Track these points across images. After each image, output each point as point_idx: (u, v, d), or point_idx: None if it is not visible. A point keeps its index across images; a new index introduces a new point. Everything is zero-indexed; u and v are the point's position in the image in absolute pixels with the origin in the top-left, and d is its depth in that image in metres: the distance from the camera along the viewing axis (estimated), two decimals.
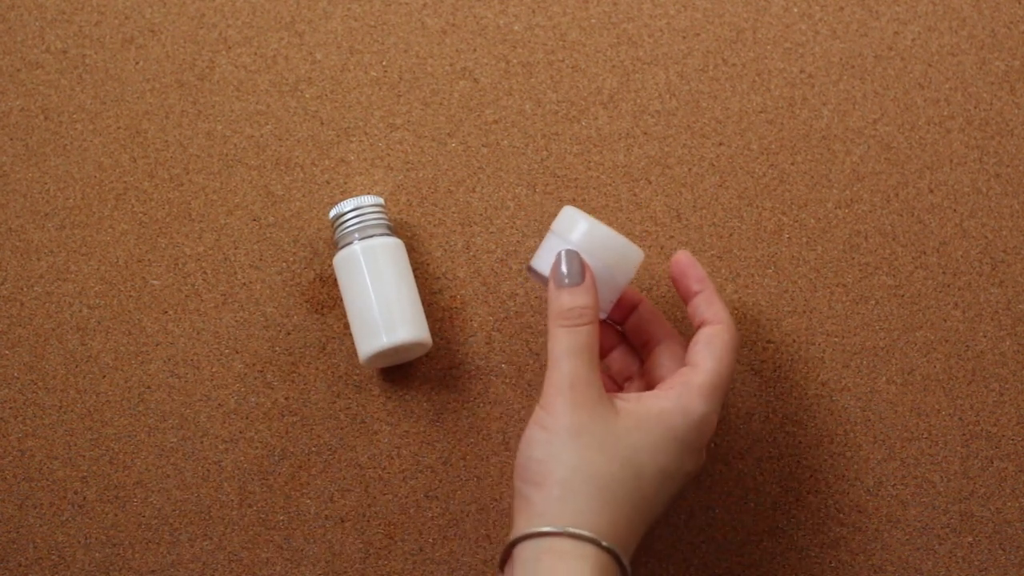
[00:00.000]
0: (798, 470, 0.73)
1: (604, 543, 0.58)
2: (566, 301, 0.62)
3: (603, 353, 0.69)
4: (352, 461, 0.72)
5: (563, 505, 0.58)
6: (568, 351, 0.61)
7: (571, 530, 0.57)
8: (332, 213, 0.71)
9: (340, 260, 0.70)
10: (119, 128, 0.75)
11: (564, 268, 0.62)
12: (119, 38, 0.75)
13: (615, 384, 0.70)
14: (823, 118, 0.74)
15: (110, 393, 0.73)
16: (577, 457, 0.58)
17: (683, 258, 0.66)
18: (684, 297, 0.66)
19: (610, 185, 0.74)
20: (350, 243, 0.70)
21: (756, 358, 0.73)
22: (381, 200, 0.71)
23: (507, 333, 0.73)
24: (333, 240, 0.72)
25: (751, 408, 0.73)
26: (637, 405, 0.61)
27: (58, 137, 0.74)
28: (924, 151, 0.74)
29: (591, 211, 0.74)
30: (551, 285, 0.63)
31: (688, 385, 0.62)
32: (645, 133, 0.74)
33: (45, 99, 0.75)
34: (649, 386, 0.66)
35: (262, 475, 0.72)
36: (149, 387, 0.73)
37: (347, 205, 0.70)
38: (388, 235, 0.71)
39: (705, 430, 0.62)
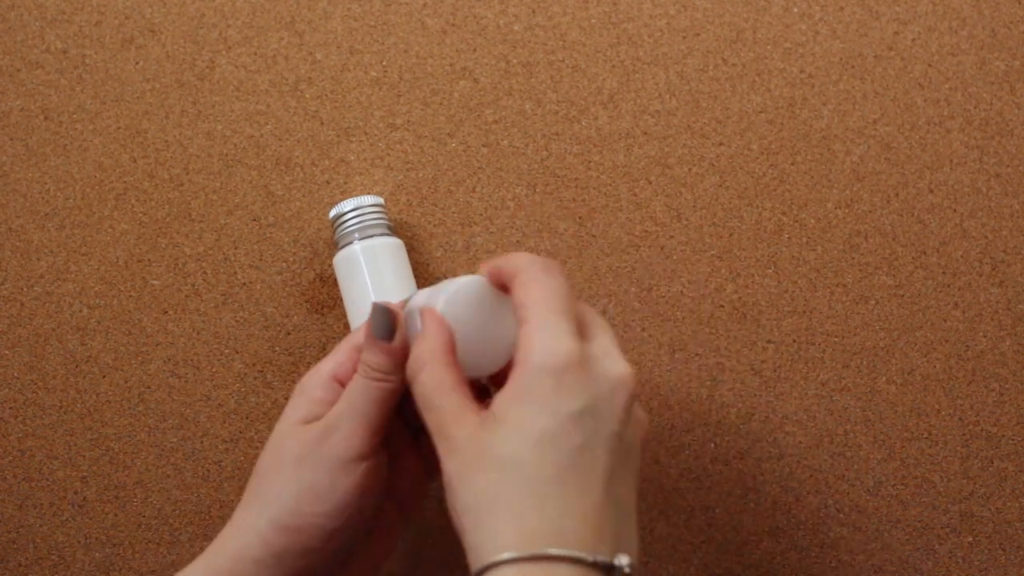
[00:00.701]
0: (798, 470, 0.73)
1: (508, 556, 0.50)
2: (423, 348, 0.56)
3: None
4: None
5: (477, 536, 0.52)
6: (420, 402, 0.55)
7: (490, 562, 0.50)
8: (332, 213, 0.71)
9: (340, 260, 0.70)
10: (119, 128, 0.75)
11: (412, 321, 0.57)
12: (119, 38, 0.75)
13: None
14: (823, 118, 0.74)
15: (110, 393, 0.73)
16: (467, 493, 0.52)
17: (490, 265, 0.58)
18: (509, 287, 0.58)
19: (610, 185, 0.74)
20: (350, 243, 0.70)
21: (756, 358, 0.73)
22: (381, 200, 0.71)
23: None
24: (333, 240, 0.72)
25: (751, 408, 0.73)
26: (498, 401, 0.53)
27: (58, 137, 0.74)
28: (924, 151, 0.74)
29: (591, 211, 0.74)
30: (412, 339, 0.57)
31: (520, 344, 0.53)
32: (645, 133, 0.74)
33: (45, 99, 0.75)
34: None
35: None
36: (149, 387, 0.73)
37: (347, 205, 0.70)
38: (388, 235, 0.71)
39: (556, 360, 0.52)
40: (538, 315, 0.53)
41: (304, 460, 0.57)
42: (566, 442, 0.51)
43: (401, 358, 0.58)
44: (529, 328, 0.53)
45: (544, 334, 0.53)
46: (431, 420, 0.54)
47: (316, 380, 0.60)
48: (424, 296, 0.59)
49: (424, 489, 0.64)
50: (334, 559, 0.58)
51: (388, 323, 0.58)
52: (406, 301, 0.61)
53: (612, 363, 0.53)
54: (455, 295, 0.57)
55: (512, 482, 0.51)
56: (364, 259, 0.69)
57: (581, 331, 0.55)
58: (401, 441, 0.63)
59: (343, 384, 0.60)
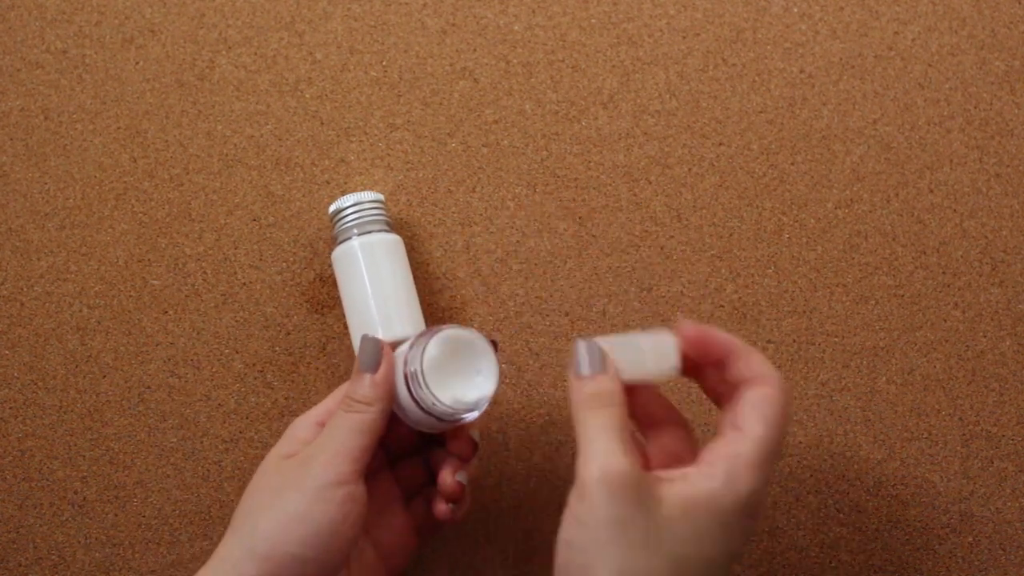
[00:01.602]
0: (798, 470, 0.73)
1: None
2: (589, 388, 0.56)
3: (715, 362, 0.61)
4: None
5: None
6: (600, 430, 0.54)
7: None
8: (331, 208, 0.71)
9: (338, 255, 0.70)
10: (119, 128, 0.75)
11: (585, 357, 0.57)
12: (119, 38, 0.75)
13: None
14: (823, 118, 0.74)
15: (110, 393, 0.73)
16: (621, 557, 0.52)
17: (692, 329, 0.58)
18: (715, 365, 0.59)
19: (610, 185, 0.74)
20: (348, 239, 0.70)
21: None
22: (381, 196, 0.71)
23: (507, 333, 0.73)
24: (332, 235, 0.72)
25: None
26: (682, 487, 0.53)
27: (58, 137, 0.74)
28: (924, 151, 0.74)
29: (591, 211, 0.74)
30: (571, 375, 0.57)
31: (736, 457, 0.54)
32: (645, 133, 0.74)
33: (45, 99, 0.75)
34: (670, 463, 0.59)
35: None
36: (149, 387, 0.73)
37: (346, 200, 0.70)
38: (387, 231, 0.70)
39: (755, 508, 0.54)
40: (766, 445, 0.54)
41: (281, 490, 0.58)
42: (717, 572, 0.53)
43: (383, 390, 0.60)
44: (754, 447, 0.54)
45: (765, 470, 0.54)
46: (608, 454, 0.53)
47: (302, 423, 0.62)
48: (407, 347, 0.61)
49: (411, 550, 0.65)
50: None
51: (376, 354, 0.60)
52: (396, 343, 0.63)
53: (760, 514, 0.56)
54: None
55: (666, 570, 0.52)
56: (362, 255, 0.69)
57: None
58: (393, 500, 0.64)
59: None
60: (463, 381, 0.60)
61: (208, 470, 0.73)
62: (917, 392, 0.73)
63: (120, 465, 0.73)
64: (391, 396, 0.60)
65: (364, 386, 0.60)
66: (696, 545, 0.52)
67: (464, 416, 0.60)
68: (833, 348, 0.73)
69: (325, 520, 0.57)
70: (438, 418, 0.60)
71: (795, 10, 0.75)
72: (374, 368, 0.60)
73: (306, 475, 0.58)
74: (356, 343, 0.70)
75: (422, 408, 0.60)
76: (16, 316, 0.73)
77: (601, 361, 0.56)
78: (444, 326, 0.60)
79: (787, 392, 0.56)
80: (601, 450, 0.53)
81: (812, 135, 0.74)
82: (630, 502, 0.52)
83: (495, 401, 0.72)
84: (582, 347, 0.57)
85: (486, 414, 0.72)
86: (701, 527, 0.52)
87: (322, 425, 0.61)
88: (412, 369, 0.59)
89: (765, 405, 0.55)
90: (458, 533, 0.72)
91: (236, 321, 0.73)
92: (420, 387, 0.59)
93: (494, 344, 0.62)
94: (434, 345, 0.59)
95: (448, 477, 0.62)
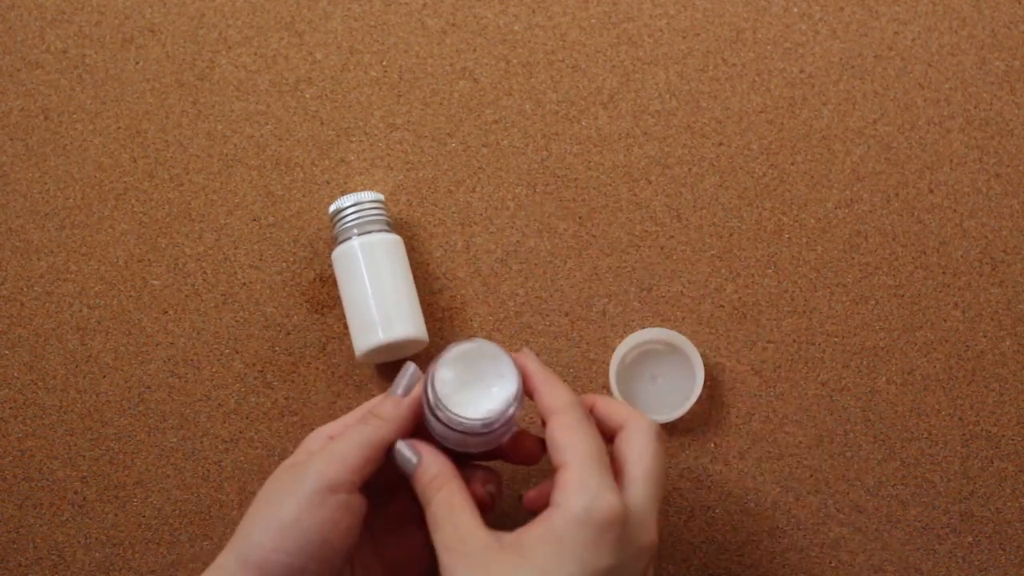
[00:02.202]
0: (798, 470, 0.73)
1: None
2: (418, 486, 0.59)
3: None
4: None
5: None
6: (434, 525, 0.57)
7: None
8: (331, 208, 0.71)
9: (338, 255, 0.70)
10: (119, 128, 0.75)
11: (400, 459, 0.60)
12: (119, 38, 0.75)
13: None
14: (823, 118, 0.74)
15: (110, 393, 0.73)
16: None
17: (524, 360, 0.61)
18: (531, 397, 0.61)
19: (610, 185, 0.74)
20: (348, 239, 0.70)
21: (756, 358, 0.73)
22: (381, 196, 0.71)
23: (507, 333, 0.73)
24: (332, 235, 0.72)
25: (751, 408, 0.73)
26: (521, 535, 0.56)
27: (58, 137, 0.74)
28: (924, 151, 0.74)
29: (591, 211, 0.74)
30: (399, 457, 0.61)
31: (562, 487, 0.56)
32: (645, 133, 0.74)
33: (45, 99, 0.75)
34: None
35: (262, 475, 0.72)
36: (149, 387, 0.73)
37: (346, 200, 0.70)
38: (387, 231, 0.70)
39: (599, 517, 0.54)
40: (582, 463, 0.56)
41: (277, 496, 0.58)
42: None
43: (403, 411, 0.60)
44: (571, 474, 0.55)
45: (589, 484, 0.55)
46: (445, 535, 0.56)
47: (316, 436, 0.62)
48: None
49: (424, 569, 0.64)
50: None
51: (410, 382, 0.61)
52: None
53: (645, 531, 0.56)
54: (452, 357, 0.59)
55: None
56: (362, 255, 0.69)
57: (617, 474, 0.58)
58: (408, 519, 0.64)
59: None
60: (483, 392, 0.59)
61: (208, 470, 0.73)
62: (917, 392, 0.73)
63: (120, 465, 0.73)
64: (410, 420, 0.60)
65: (387, 404, 0.60)
66: (541, 573, 0.54)
67: (499, 422, 0.59)
68: (833, 348, 0.73)
69: (315, 527, 0.56)
70: (475, 434, 0.59)
71: (795, 10, 0.75)
72: (404, 393, 0.61)
73: (302, 480, 0.58)
74: (356, 343, 0.70)
75: (454, 429, 0.59)
76: (16, 316, 0.73)
77: (413, 451, 0.60)
78: (452, 345, 0.59)
79: (579, 412, 0.58)
80: (439, 538, 0.56)
81: (812, 135, 0.74)
82: (469, 566, 0.55)
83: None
84: (398, 450, 0.60)
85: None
86: (540, 560, 0.54)
87: (331, 438, 0.62)
88: (430, 397, 0.59)
89: (565, 433, 0.57)
90: None
91: (236, 321, 0.73)
92: (442, 409, 0.58)
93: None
94: (445, 368, 0.59)
95: (479, 489, 0.61)
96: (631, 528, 0.56)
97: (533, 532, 0.55)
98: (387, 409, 0.60)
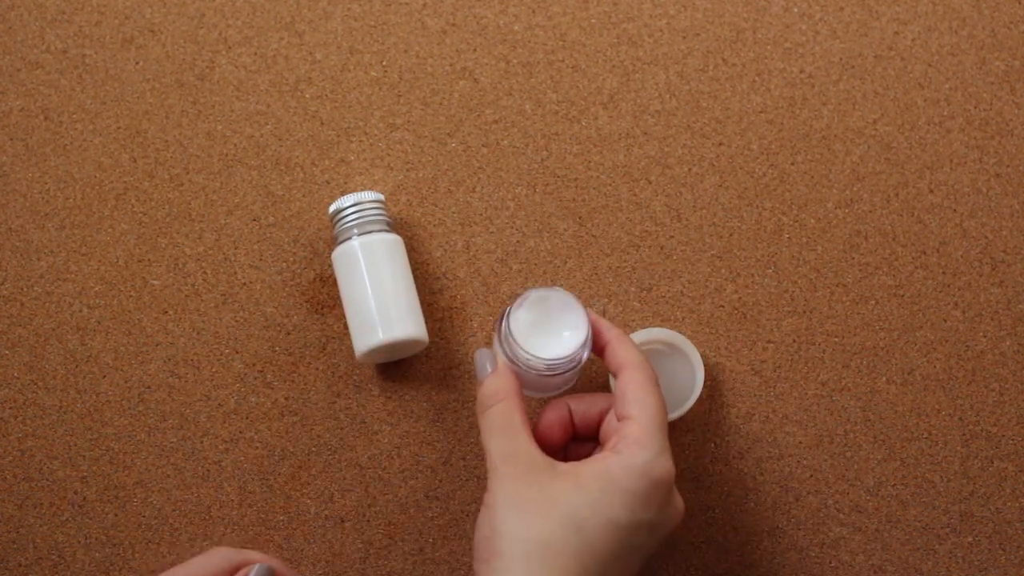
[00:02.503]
0: (798, 470, 0.73)
1: None
2: (480, 392, 0.63)
3: (594, 420, 0.67)
4: (352, 461, 0.72)
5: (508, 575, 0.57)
6: (489, 432, 0.61)
7: None
8: (331, 208, 0.71)
9: (338, 255, 0.70)
10: (119, 128, 0.75)
11: (479, 363, 0.64)
12: (119, 38, 0.75)
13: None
14: (823, 118, 0.74)
15: (110, 393, 0.73)
16: (516, 525, 0.58)
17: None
18: (598, 351, 0.65)
19: (610, 185, 0.74)
20: (348, 239, 0.70)
21: (756, 358, 0.73)
22: (381, 196, 0.71)
23: None
24: (332, 235, 0.72)
25: (751, 408, 0.73)
26: (578, 467, 0.60)
27: (58, 137, 0.74)
28: (924, 151, 0.74)
29: (591, 211, 0.74)
30: (477, 388, 0.64)
31: (625, 437, 0.60)
32: (645, 133, 0.74)
33: (45, 99, 0.75)
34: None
35: (262, 475, 0.72)
36: (149, 387, 0.73)
37: (346, 200, 0.70)
38: (387, 231, 0.70)
39: (655, 475, 0.59)
40: (649, 422, 0.61)
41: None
42: (628, 538, 0.59)
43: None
44: (636, 429, 0.60)
45: (652, 443, 0.60)
46: (498, 445, 0.60)
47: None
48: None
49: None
50: None
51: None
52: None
53: (678, 499, 0.62)
54: (531, 301, 0.63)
55: (569, 544, 0.57)
56: (362, 255, 0.69)
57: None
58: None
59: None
60: (555, 338, 0.63)
61: (208, 470, 0.73)
62: (917, 392, 0.73)
63: (120, 465, 0.73)
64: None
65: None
66: (592, 508, 0.58)
67: (564, 369, 0.63)
68: (833, 348, 0.73)
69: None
70: (537, 372, 0.63)
71: (795, 10, 0.75)
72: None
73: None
74: (356, 343, 0.70)
75: (520, 365, 0.63)
76: (16, 316, 0.73)
77: (485, 366, 0.63)
78: (533, 288, 0.64)
79: (649, 370, 0.63)
80: (494, 448, 0.60)
81: (812, 135, 0.74)
82: (522, 481, 0.59)
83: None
84: (477, 356, 0.64)
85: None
86: (595, 493, 0.58)
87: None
88: (503, 330, 0.62)
89: (634, 387, 0.62)
90: (457, 533, 0.72)
91: (236, 321, 0.73)
92: (514, 346, 0.62)
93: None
94: (523, 307, 0.62)
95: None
96: (674, 493, 0.61)
97: (590, 468, 0.59)
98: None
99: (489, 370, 0.63)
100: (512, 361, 0.63)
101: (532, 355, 0.62)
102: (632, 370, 0.62)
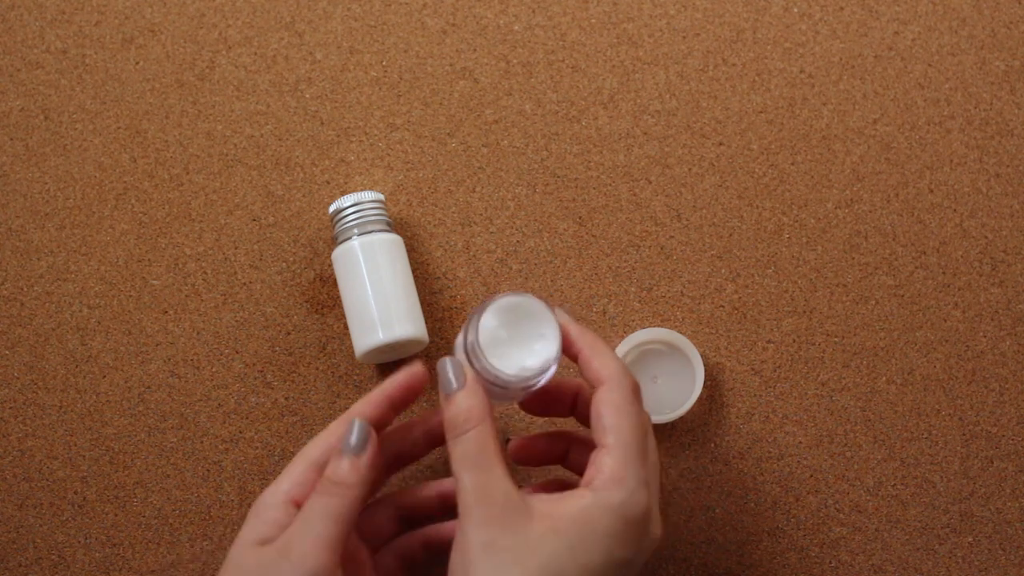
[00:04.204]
0: (798, 470, 0.73)
1: None
2: (449, 412, 0.57)
3: (557, 456, 0.64)
4: None
5: None
6: (462, 463, 0.56)
7: None
8: (331, 208, 0.71)
9: (338, 255, 0.70)
10: (119, 128, 0.75)
11: (445, 376, 0.58)
12: (119, 38, 0.75)
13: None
14: (823, 118, 0.74)
15: (110, 393, 0.73)
16: (490, 559, 0.54)
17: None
18: (571, 357, 0.61)
19: (610, 185, 0.74)
20: (349, 239, 0.70)
21: (756, 358, 0.73)
22: (381, 196, 0.71)
23: None
24: (332, 235, 0.72)
25: (751, 408, 0.73)
26: (554, 506, 0.55)
27: (58, 137, 0.74)
28: (924, 151, 0.74)
29: (591, 211, 0.74)
30: (440, 398, 0.59)
31: (601, 471, 0.56)
32: (645, 133, 0.74)
33: (45, 99, 0.75)
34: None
35: (262, 475, 0.72)
36: (149, 387, 0.73)
37: (346, 200, 0.70)
38: (387, 231, 0.70)
39: (632, 514, 0.55)
40: (625, 452, 0.56)
41: None
42: None
43: (365, 472, 0.58)
44: (613, 463, 0.56)
45: (629, 480, 0.56)
46: (472, 480, 0.55)
47: (271, 501, 0.59)
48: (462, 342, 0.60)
49: None
50: None
51: (364, 439, 0.58)
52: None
53: (657, 525, 0.58)
54: (497, 308, 0.58)
55: None
56: (362, 255, 0.69)
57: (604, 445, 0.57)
58: (361, 561, 0.62)
59: (298, 505, 0.59)
60: (523, 349, 0.58)
61: (208, 470, 0.73)
62: (917, 392, 0.73)
63: (120, 465, 0.73)
64: (372, 481, 0.58)
65: (343, 468, 0.57)
66: (569, 554, 0.54)
67: (534, 382, 0.58)
68: (833, 348, 0.73)
69: None
70: (504, 387, 0.58)
71: (795, 10, 0.75)
72: (359, 450, 0.58)
73: (283, 568, 0.55)
74: (356, 343, 0.70)
75: (488, 380, 0.58)
76: (16, 316, 0.73)
77: (456, 379, 0.58)
78: (500, 294, 0.58)
79: (626, 382, 0.57)
80: (468, 483, 0.55)
81: (812, 135, 0.74)
82: (497, 526, 0.54)
83: None
84: (441, 368, 0.58)
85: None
86: (572, 539, 0.54)
87: (293, 502, 0.59)
88: (470, 340, 0.57)
89: (608, 409, 0.57)
90: None
91: (236, 321, 0.73)
92: (480, 359, 0.57)
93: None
94: (490, 315, 0.58)
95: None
96: (651, 521, 0.57)
97: (567, 509, 0.55)
98: (345, 474, 0.57)
99: (455, 385, 0.57)
100: (477, 373, 0.58)
101: (502, 371, 0.57)
102: (606, 389, 0.57)
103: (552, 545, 0.54)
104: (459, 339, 0.59)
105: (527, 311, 0.58)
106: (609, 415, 0.57)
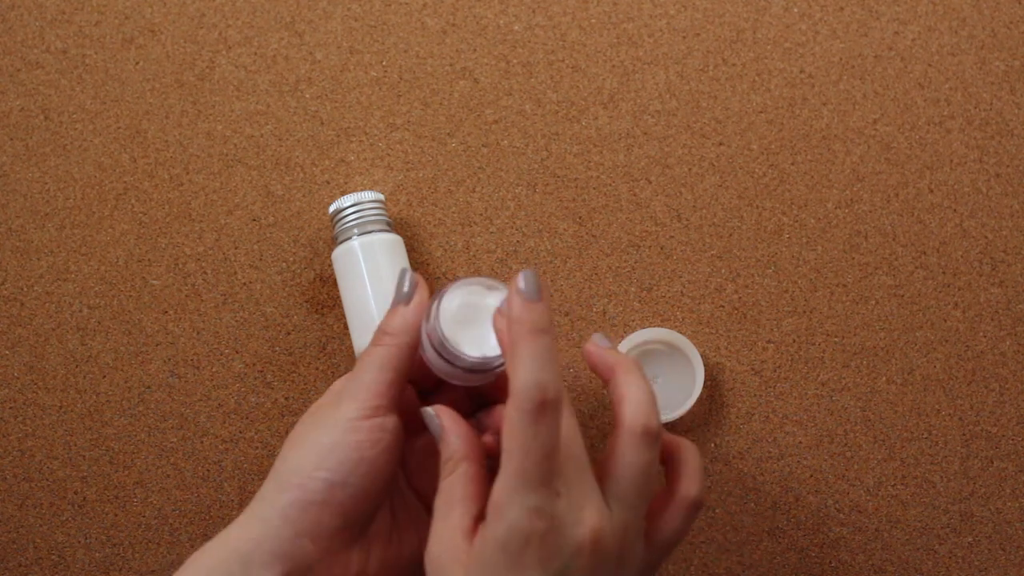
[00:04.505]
0: (798, 470, 0.73)
1: None
2: (441, 451, 0.58)
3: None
4: None
5: None
6: (436, 502, 0.56)
7: None
8: (331, 208, 0.71)
9: (338, 255, 0.70)
10: (119, 128, 0.75)
11: (432, 425, 0.59)
12: (119, 38, 0.75)
13: None
14: (823, 118, 0.74)
15: (110, 393, 0.73)
16: None
17: (592, 348, 0.59)
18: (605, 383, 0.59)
19: (610, 185, 0.74)
20: (349, 239, 0.70)
21: (756, 358, 0.73)
22: (381, 196, 0.71)
23: None
24: (332, 235, 0.72)
25: (751, 408, 0.73)
26: (471, 550, 0.54)
27: (58, 137, 0.74)
28: (924, 151, 0.74)
29: (591, 211, 0.74)
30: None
31: (490, 504, 0.53)
32: (645, 133, 0.74)
33: (45, 99, 0.75)
34: None
35: (262, 475, 0.72)
36: (149, 387, 0.73)
37: (346, 200, 0.70)
38: (387, 231, 0.70)
39: (521, 544, 0.52)
40: (511, 478, 0.52)
41: (312, 429, 0.58)
42: None
43: (412, 319, 0.59)
44: (498, 492, 0.52)
45: (509, 508, 0.52)
46: (433, 526, 0.55)
47: (342, 379, 0.62)
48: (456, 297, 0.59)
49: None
50: (345, 519, 0.57)
51: (411, 287, 0.60)
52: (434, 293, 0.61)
53: (578, 526, 0.53)
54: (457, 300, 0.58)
55: None
56: (362, 255, 0.69)
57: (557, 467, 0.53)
58: (437, 452, 0.62)
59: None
60: (486, 331, 0.57)
61: (208, 470, 0.73)
62: (917, 392, 0.73)
63: (120, 465, 0.73)
64: (419, 328, 0.59)
65: (395, 318, 0.59)
66: None
67: (496, 366, 0.58)
68: (833, 348, 0.73)
69: (354, 446, 0.57)
70: (468, 370, 0.58)
71: (795, 10, 0.75)
72: (407, 300, 0.60)
73: (335, 414, 0.58)
74: (356, 343, 0.70)
75: (449, 362, 0.58)
76: (16, 316, 0.73)
77: (434, 424, 0.58)
78: (461, 278, 0.58)
79: (526, 397, 0.52)
80: (433, 519, 0.55)
81: (812, 135, 0.74)
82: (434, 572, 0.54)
83: None
84: (427, 417, 0.59)
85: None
86: (491, 569, 0.52)
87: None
88: (431, 324, 0.57)
89: (507, 428, 0.53)
90: None
91: (236, 321, 0.73)
92: (441, 341, 0.57)
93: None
94: (450, 297, 0.57)
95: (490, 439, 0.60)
96: (563, 531, 0.52)
97: (473, 551, 0.53)
98: (396, 323, 0.59)
99: (438, 435, 0.58)
100: (438, 352, 0.58)
101: (462, 353, 0.57)
102: (509, 408, 0.52)
103: None
104: (423, 324, 0.59)
105: (487, 293, 0.57)
106: (504, 438, 0.52)
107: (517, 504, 0.51)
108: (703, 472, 0.59)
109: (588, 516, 0.53)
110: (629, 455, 0.55)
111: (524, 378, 0.51)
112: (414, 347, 0.59)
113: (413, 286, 0.60)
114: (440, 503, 0.56)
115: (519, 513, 0.51)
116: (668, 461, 0.59)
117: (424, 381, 0.63)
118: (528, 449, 0.51)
